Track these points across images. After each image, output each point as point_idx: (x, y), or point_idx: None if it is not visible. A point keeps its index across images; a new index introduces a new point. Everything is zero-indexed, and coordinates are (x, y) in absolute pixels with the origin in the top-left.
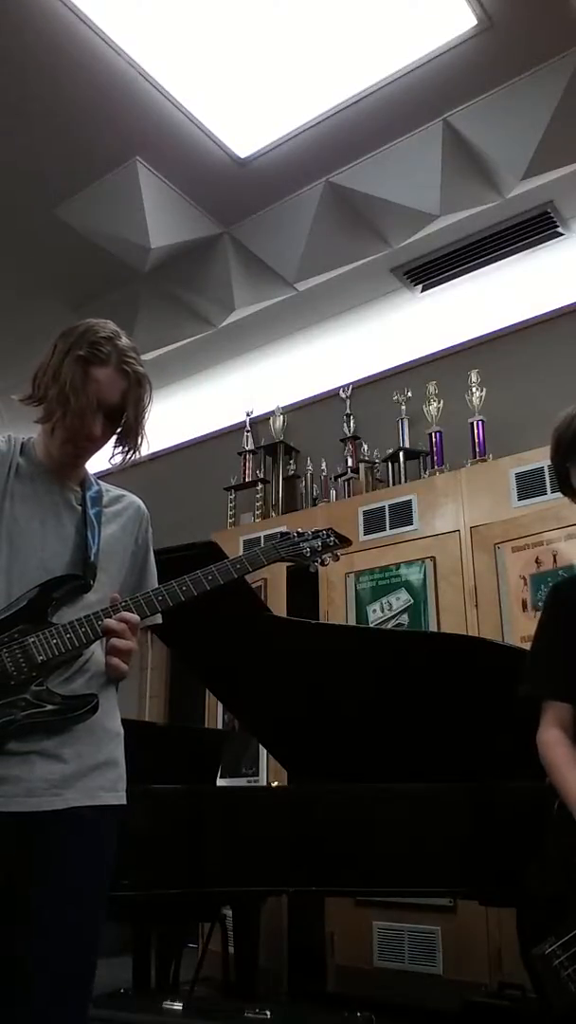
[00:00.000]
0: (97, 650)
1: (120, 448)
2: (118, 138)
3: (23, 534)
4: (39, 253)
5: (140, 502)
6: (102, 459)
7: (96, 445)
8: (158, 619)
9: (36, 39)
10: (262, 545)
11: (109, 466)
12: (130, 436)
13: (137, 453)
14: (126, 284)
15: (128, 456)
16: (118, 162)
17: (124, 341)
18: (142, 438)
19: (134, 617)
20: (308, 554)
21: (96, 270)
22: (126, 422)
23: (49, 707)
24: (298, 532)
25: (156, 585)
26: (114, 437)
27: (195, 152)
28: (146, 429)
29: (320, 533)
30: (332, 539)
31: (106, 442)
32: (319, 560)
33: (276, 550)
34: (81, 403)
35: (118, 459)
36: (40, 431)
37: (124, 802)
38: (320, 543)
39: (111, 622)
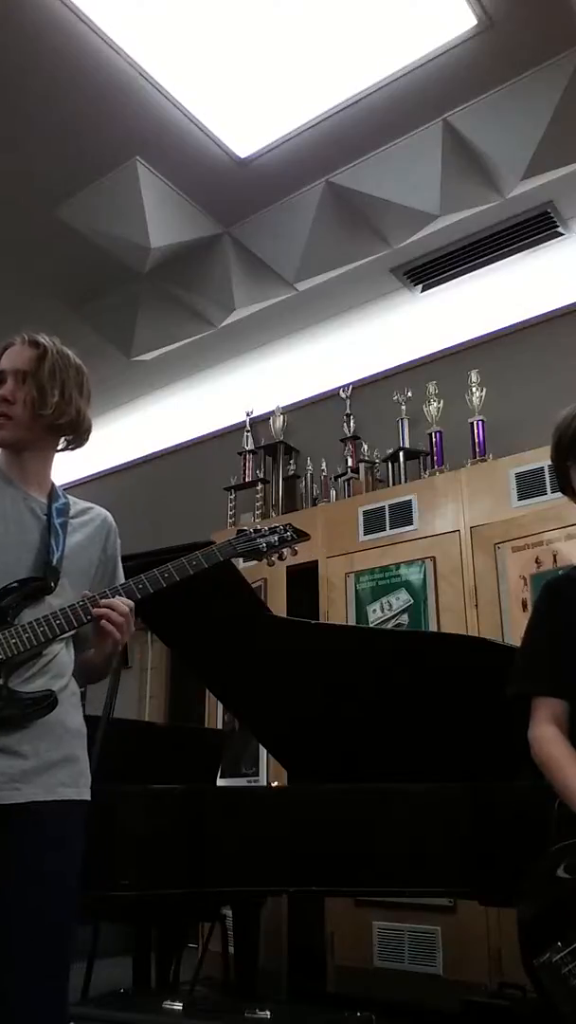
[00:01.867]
0: (60, 651)
1: (39, 420)
2: (118, 138)
3: None
4: (39, 253)
5: (108, 515)
6: (108, 458)
7: (12, 415)
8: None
9: (36, 39)
10: (220, 542)
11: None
12: (39, 401)
13: (75, 435)
14: (126, 284)
15: (69, 443)
16: (118, 162)
17: (41, 333)
18: (69, 411)
19: (124, 606)
20: (264, 549)
21: (96, 270)
22: (30, 383)
23: (7, 704)
24: (255, 529)
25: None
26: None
27: (195, 152)
28: (74, 405)
29: (277, 529)
30: (289, 534)
31: (24, 413)
32: (277, 555)
33: (232, 546)
34: None
35: (64, 442)
36: None
37: (87, 798)
38: (277, 538)
39: (104, 611)
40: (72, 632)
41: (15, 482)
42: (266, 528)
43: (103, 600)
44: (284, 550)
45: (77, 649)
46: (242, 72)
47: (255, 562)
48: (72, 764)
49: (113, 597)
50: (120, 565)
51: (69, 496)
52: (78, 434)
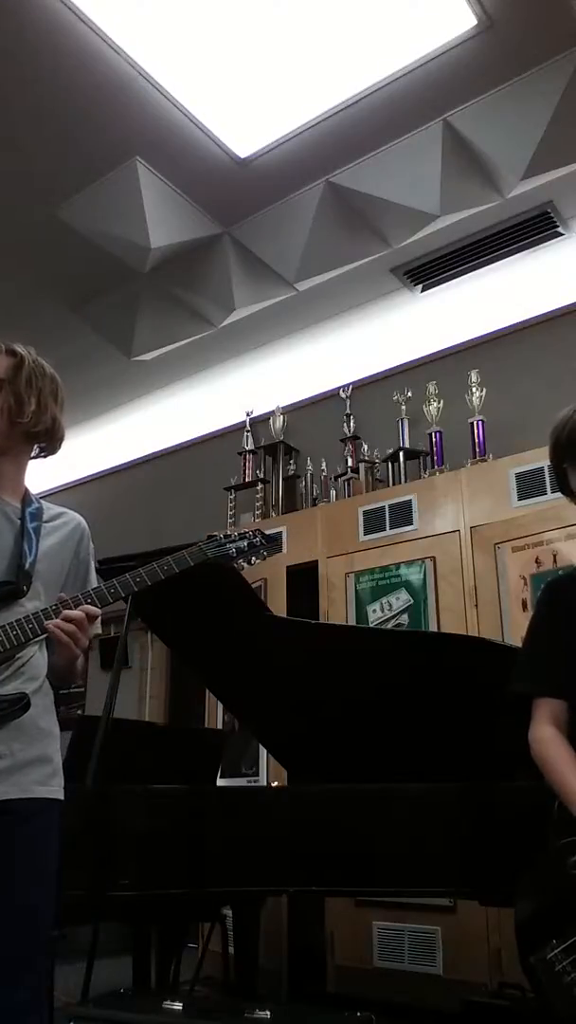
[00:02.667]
0: (35, 653)
1: (15, 428)
2: (118, 138)
3: None
4: (39, 253)
5: (81, 519)
6: (108, 458)
7: None
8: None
9: (36, 39)
10: (189, 547)
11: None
12: (14, 409)
13: (48, 441)
14: (126, 284)
15: (43, 449)
16: (118, 162)
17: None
18: (43, 419)
19: (79, 614)
20: (234, 554)
21: (96, 270)
22: (6, 391)
23: None
24: (225, 535)
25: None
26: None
27: (195, 152)
28: (49, 413)
29: (247, 534)
30: (259, 539)
31: (2, 423)
32: (246, 560)
33: (202, 551)
34: None
35: (37, 449)
36: None
37: (60, 797)
38: (246, 543)
39: (55, 622)
40: (44, 636)
41: None
42: (236, 533)
43: (63, 612)
44: (252, 556)
45: (50, 651)
46: (242, 72)
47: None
48: (45, 764)
49: (85, 602)
50: (92, 569)
51: (43, 501)
52: (52, 442)
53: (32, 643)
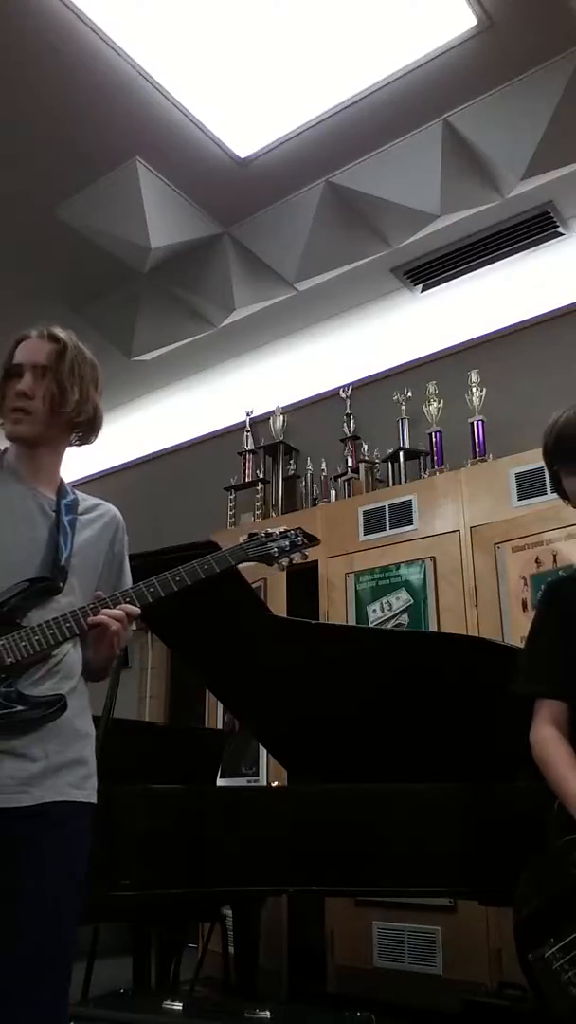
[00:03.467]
0: (69, 652)
1: (58, 417)
2: (118, 138)
3: None
4: (39, 253)
5: (116, 511)
6: (107, 458)
7: (31, 410)
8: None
9: (36, 39)
10: (231, 547)
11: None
12: (58, 397)
13: (88, 430)
14: (126, 284)
15: (82, 437)
16: (118, 162)
17: (57, 327)
18: (86, 407)
19: (119, 612)
20: (276, 554)
21: (96, 270)
22: (50, 379)
23: (18, 708)
24: (266, 532)
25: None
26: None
27: (195, 152)
28: (91, 401)
29: (288, 533)
30: (300, 538)
31: (43, 409)
32: (288, 559)
33: (244, 550)
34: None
35: (75, 438)
36: None
37: (93, 800)
38: (288, 543)
39: (99, 619)
40: (80, 634)
41: (24, 478)
42: (277, 532)
43: (102, 611)
44: (294, 555)
45: (84, 648)
46: (242, 72)
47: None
48: (80, 766)
49: (123, 601)
50: (127, 562)
51: (77, 492)
52: (92, 431)
53: (68, 641)
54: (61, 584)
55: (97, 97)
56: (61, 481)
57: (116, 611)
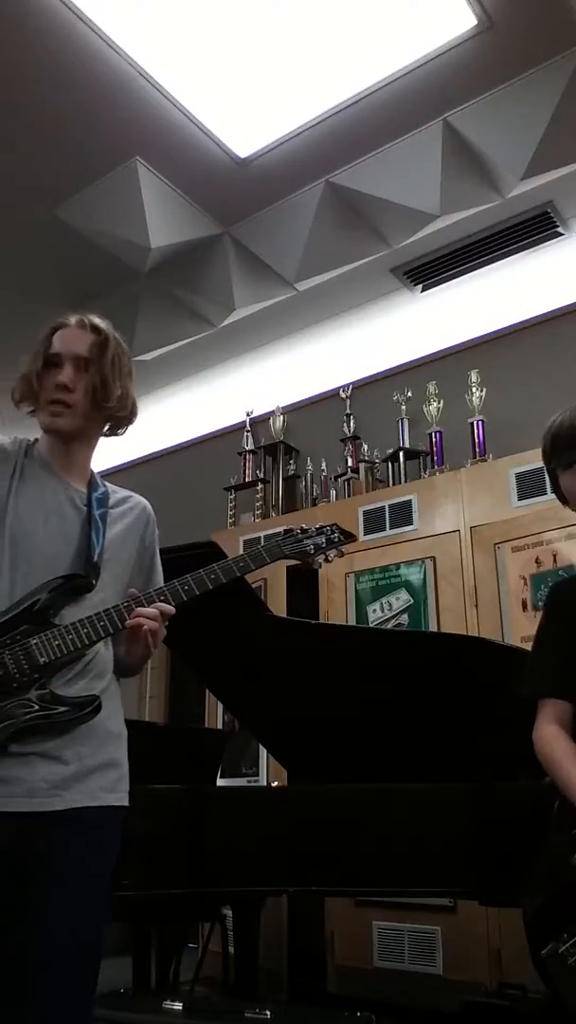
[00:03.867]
0: (100, 650)
1: (98, 410)
2: (118, 138)
3: (27, 534)
4: (39, 253)
5: (147, 504)
6: (107, 458)
7: (72, 403)
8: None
9: (36, 39)
10: (264, 543)
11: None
12: (99, 391)
13: (124, 422)
14: (126, 284)
15: (114, 428)
16: (118, 162)
17: (94, 315)
18: (124, 401)
19: (155, 611)
20: (312, 551)
21: (96, 270)
22: (93, 372)
23: (52, 709)
24: (302, 529)
25: (162, 585)
26: (96, 406)
27: (195, 152)
28: (129, 394)
29: (324, 529)
30: (336, 535)
31: (84, 402)
32: (324, 557)
33: (280, 547)
34: (36, 364)
35: (106, 432)
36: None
37: (125, 803)
38: (324, 539)
39: (139, 617)
40: (115, 633)
41: (56, 471)
42: (313, 528)
43: (138, 609)
44: (330, 552)
45: (115, 645)
46: (242, 72)
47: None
48: (112, 769)
49: (158, 599)
50: (158, 556)
51: (107, 484)
52: (128, 425)
53: (101, 640)
54: (94, 581)
55: (97, 97)
56: (92, 473)
57: (152, 610)
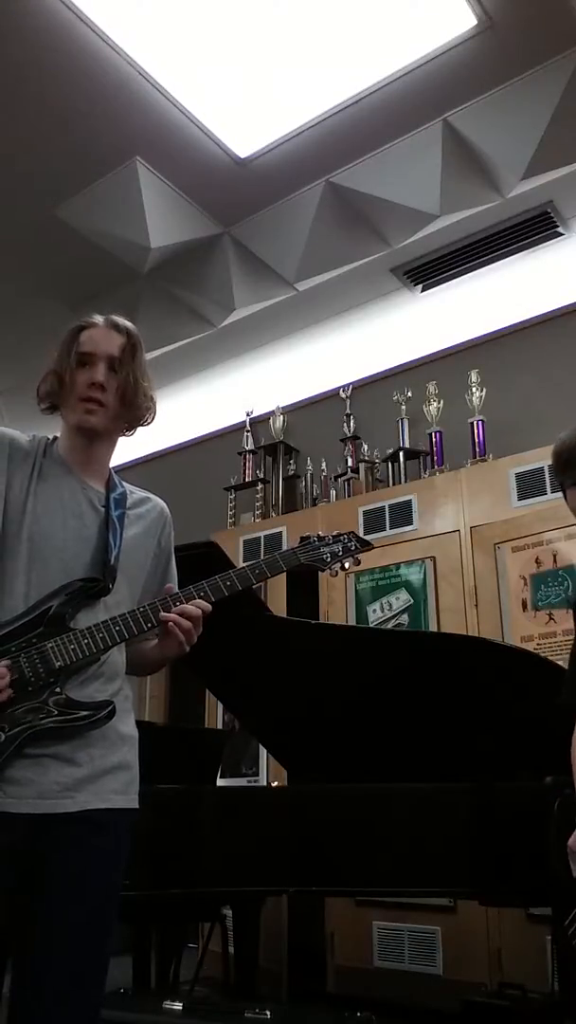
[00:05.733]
0: (114, 653)
1: (127, 411)
2: (118, 138)
3: (44, 535)
4: (39, 253)
5: (164, 506)
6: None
7: (105, 402)
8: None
9: (36, 39)
10: (282, 550)
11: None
12: (130, 393)
13: (148, 417)
14: (126, 284)
15: (137, 420)
16: (118, 162)
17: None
18: (148, 404)
19: (194, 610)
20: (328, 559)
21: (96, 270)
22: (124, 374)
23: (69, 714)
24: (319, 536)
25: (175, 588)
26: (122, 406)
27: (195, 152)
28: (150, 397)
29: (341, 537)
30: (353, 543)
31: (114, 403)
32: (340, 565)
33: (296, 555)
34: (65, 363)
35: (130, 427)
36: (62, 429)
37: (135, 806)
38: (340, 547)
39: (186, 607)
40: (130, 639)
41: (75, 471)
42: (330, 536)
43: (176, 608)
44: (347, 560)
45: (134, 641)
46: (242, 72)
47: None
48: (124, 771)
49: (179, 604)
50: (173, 560)
51: (126, 484)
52: (146, 425)
53: (116, 646)
54: (110, 585)
55: (97, 97)
56: (110, 473)
57: (192, 609)
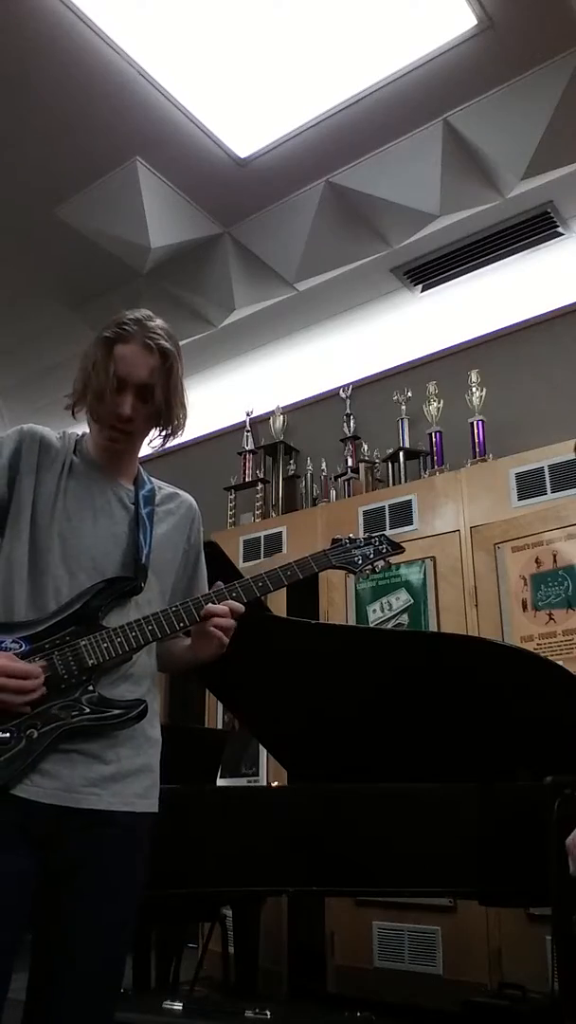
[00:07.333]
0: (142, 655)
1: (158, 429)
2: (118, 138)
3: (75, 533)
4: (39, 253)
5: (192, 501)
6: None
7: (132, 431)
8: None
9: (36, 39)
10: (313, 553)
11: (149, 451)
12: (163, 415)
13: (177, 434)
14: (126, 284)
15: (167, 438)
16: (118, 162)
17: (155, 321)
18: (181, 416)
19: (223, 609)
20: (359, 561)
21: (96, 270)
22: (157, 400)
23: (102, 712)
24: (350, 539)
25: (206, 585)
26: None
27: (195, 152)
28: (185, 406)
29: (372, 539)
30: (384, 546)
31: (143, 426)
32: (371, 567)
33: (327, 557)
34: (100, 382)
35: (158, 441)
36: (89, 426)
37: (155, 810)
38: (372, 550)
39: (232, 603)
40: (162, 638)
41: (104, 468)
42: (361, 539)
43: (214, 606)
44: (378, 563)
45: (165, 639)
46: (242, 72)
47: (254, 560)
48: (148, 774)
49: (230, 596)
50: (202, 556)
51: (154, 480)
52: (178, 434)
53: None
54: (142, 584)
55: (97, 97)
56: (139, 469)
57: (221, 607)
